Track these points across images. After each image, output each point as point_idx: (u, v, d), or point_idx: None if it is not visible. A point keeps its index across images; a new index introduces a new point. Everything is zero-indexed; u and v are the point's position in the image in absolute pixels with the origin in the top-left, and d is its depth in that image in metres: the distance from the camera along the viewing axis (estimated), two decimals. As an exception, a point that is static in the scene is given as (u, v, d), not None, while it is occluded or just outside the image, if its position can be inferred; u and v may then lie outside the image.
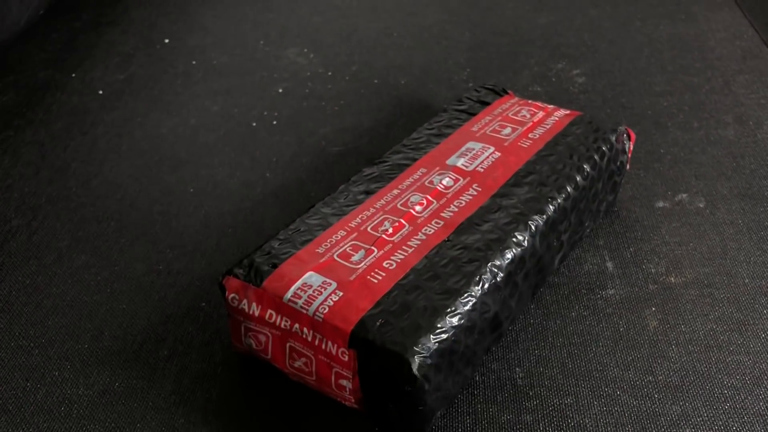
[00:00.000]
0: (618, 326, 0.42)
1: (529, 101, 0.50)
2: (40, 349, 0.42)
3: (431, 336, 0.33)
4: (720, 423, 0.36)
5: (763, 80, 0.62)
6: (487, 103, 0.50)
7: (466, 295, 0.35)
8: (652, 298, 0.43)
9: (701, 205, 0.50)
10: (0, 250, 0.48)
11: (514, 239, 0.38)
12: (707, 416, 0.37)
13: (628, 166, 0.49)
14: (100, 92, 0.64)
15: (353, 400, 0.35)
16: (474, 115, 0.49)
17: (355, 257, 0.37)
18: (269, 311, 0.36)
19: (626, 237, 0.47)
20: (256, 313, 0.36)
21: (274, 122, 0.61)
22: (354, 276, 0.36)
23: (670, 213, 0.49)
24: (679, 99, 0.60)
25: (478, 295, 0.35)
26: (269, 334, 0.36)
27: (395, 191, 0.42)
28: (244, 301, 0.36)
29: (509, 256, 0.38)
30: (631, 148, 0.48)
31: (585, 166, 0.44)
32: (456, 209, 0.40)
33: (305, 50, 0.71)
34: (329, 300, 0.35)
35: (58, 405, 0.38)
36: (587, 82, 0.63)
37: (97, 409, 0.38)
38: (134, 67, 0.68)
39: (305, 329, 0.35)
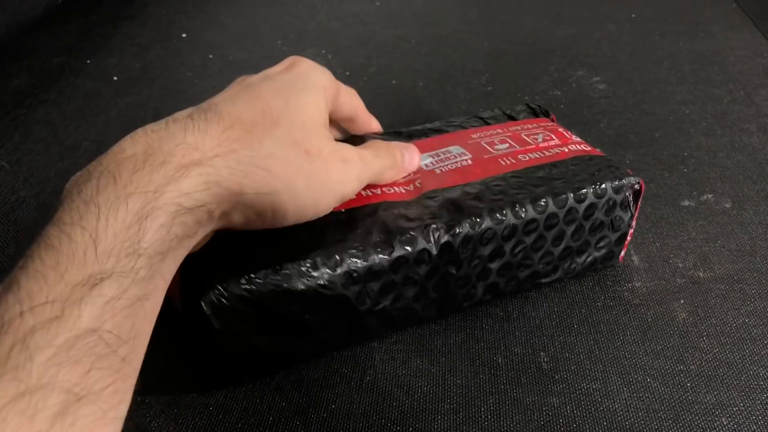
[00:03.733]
0: (646, 317, 0.40)
1: (561, 130, 0.44)
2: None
3: (235, 280, 0.32)
4: (758, 413, 0.34)
5: (786, 94, 0.61)
6: (515, 119, 0.46)
7: (311, 261, 0.33)
8: (680, 291, 0.42)
9: (728, 206, 0.48)
10: (6, 219, 0.46)
11: (414, 238, 0.35)
12: (743, 406, 0.35)
13: (633, 224, 0.41)
14: (115, 78, 0.63)
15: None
16: (490, 124, 0.46)
17: None
18: None
19: (652, 232, 0.46)
20: None
21: (290, 116, 0.60)
22: None
23: (696, 211, 0.48)
24: (701, 108, 0.59)
25: (330, 270, 0.33)
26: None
27: None
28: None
29: (399, 252, 0.34)
30: (639, 205, 0.41)
31: (544, 200, 0.37)
32: (378, 193, 0.38)
33: (323, 51, 0.70)
34: None
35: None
36: (608, 88, 0.63)
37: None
38: (150, 57, 0.67)
39: None
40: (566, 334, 0.39)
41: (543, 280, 0.41)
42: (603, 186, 0.39)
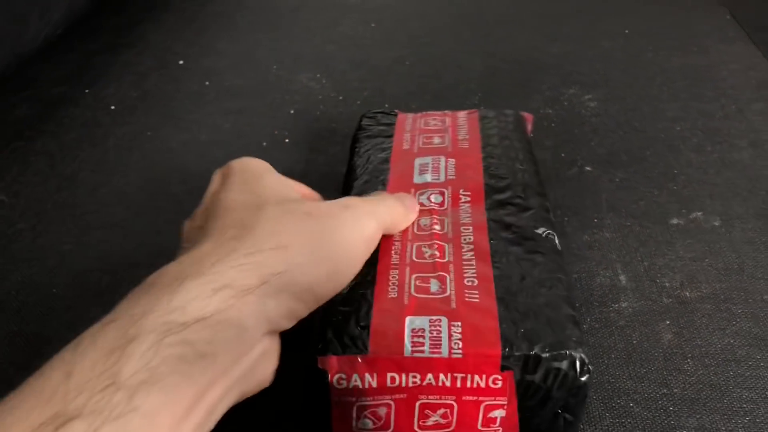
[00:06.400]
0: (631, 339, 0.40)
1: (425, 113, 0.49)
2: (36, 348, 0.41)
3: (573, 326, 0.31)
4: (739, 436, 0.35)
5: (778, 108, 0.61)
6: (391, 124, 0.48)
7: (561, 278, 0.34)
8: (666, 311, 0.42)
9: (716, 224, 0.48)
10: (3, 251, 0.47)
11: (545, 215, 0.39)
12: (726, 430, 0.35)
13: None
14: (113, 107, 0.65)
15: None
16: (390, 136, 0.46)
17: (434, 287, 0.33)
18: (390, 375, 0.31)
19: (640, 251, 0.46)
20: (374, 384, 0.31)
21: (286, 140, 0.61)
22: (454, 304, 0.32)
23: (685, 230, 0.48)
24: (692, 124, 0.60)
25: (564, 276, 0.35)
26: (392, 402, 0.31)
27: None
28: (354, 376, 0.31)
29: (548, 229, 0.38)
30: (530, 128, 0.49)
31: (525, 143, 0.45)
32: (468, 214, 0.38)
33: (318, 75, 0.71)
34: (454, 335, 0.31)
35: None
36: (599, 106, 0.63)
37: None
38: (148, 86, 0.68)
39: (441, 375, 0.31)
40: (551, 358, 0.39)
41: None
42: (518, 116, 0.49)
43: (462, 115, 0.49)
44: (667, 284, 0.44)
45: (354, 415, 0.32)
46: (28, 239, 0.49)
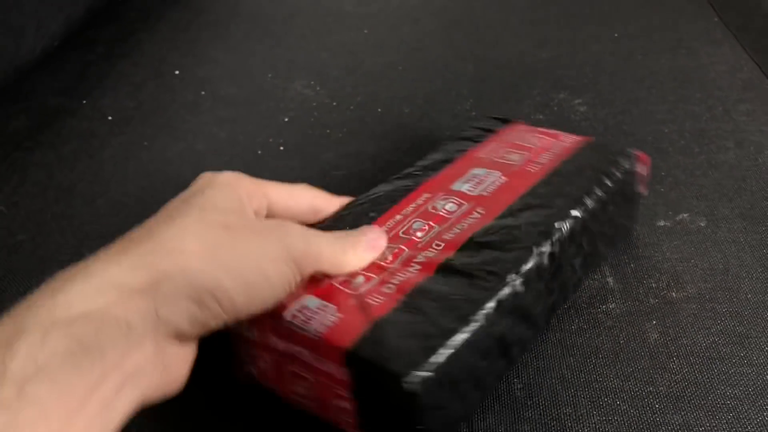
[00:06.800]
0: (618, 339, 0.41)
1: (538, 128, 0.49)
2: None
3: (428, 355, 0.31)
4: (722, 432, 0.36)
5: (764, 108, 0.62)
6: (494, 131, 0.50)
7: (468, 315, 0.33)
8: (653, 312, 0.43)
9: (702, 224, 0.49)
10: (3, 263, 0.48)
11: (520, 260, 0.37)
12: (709, 426, 0.36)
13: (644, 191, 0.47)
14: (110, 118, 0.66)
15: (353, 423, 0.34)
16: (480, 142, 0.48)
17: (355, 283, 0.36)
18: (269, 334, 0.35)
19: (627, 253, 0.47)
20: (255, 338, 0.35)
21: (281, 148, 0.62)
22: (353, 300, 0.35)
23: (671, 231, 0.49)
24: (680, 126, 0.61)
25: (481, 316, 0.33)
26: (269, 359, 0.35)
27: (398, 217, 0.41)
28: (245, 325, 0.35)
29: (516, 278, 0.36)
30: (648, 172, 0.47)
31: (595, 189, 0.42)
32: (459, 231, 0.39)
33: (312, 83, 0.72)
34: (327, 321, 0.33)
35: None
36: (588, 110, 0.64)
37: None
38: (144, 96, 0.69)
39: (305, 351, 0.34)
40: (540, 359, 0.40)
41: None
42: (622, 162, 0.44)
43: (568, 139, 0.47)
44: (654, 285, 0.45)
45: (243, 358, 0.37)
46: (28, 250, 0.50)
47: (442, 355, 0.31)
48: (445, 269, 0.36)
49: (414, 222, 0.40)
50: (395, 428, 0.33)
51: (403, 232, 0.39)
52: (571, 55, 0.74)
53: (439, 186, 0.44)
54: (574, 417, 0.37)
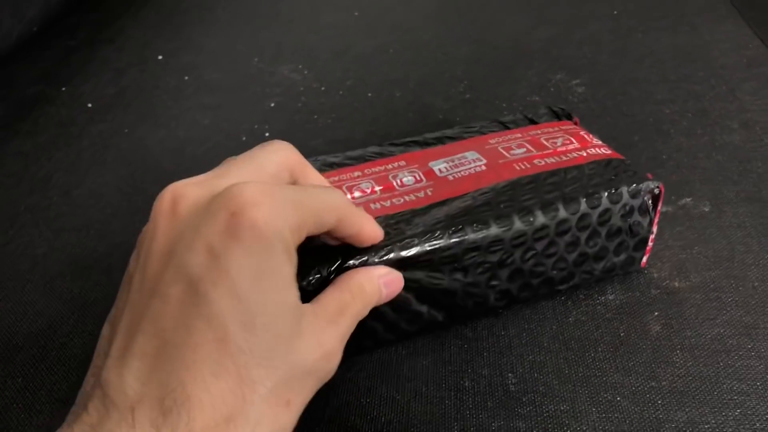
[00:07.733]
0: (618, 331, 0.39)
1: (582, 133, 0.44)
2: (6, 356, 0.39)
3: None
4: (729, 430, 0.33)
5: (770, 87, 0.60)
6: (536, 122, 0.46)
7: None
8: (654, 302, 0.41)
9: (706, 209, 0.47)
10: (-27, 258, 0.46)
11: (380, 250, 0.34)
12: (715, 422, 0.34)
13: (653, 229, 0.40)
14: (89, 105, 0.63)
15: None
16: (509, 129, 0.46)
17: None
18: None
19: (627, 241, 0.45)
20: None
21: (266, 134, 0.59)
22: None
23: (674, 217, 0.47)
24: (681, 107, 0.58)
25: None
26: None
27: (356, 173, 0.41)
28: None
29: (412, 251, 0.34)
30: (659, 208, 0.40)
31: (555, 206, 0.37)
32: (386, 206, 0.37)
33: (299, 66, 0.70)
34: None
35: (18, 412, 0.36)
36: (587, 91, 0.61)
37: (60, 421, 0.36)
38: (126, 82, 0.67)
39: None
40: (536, 353, 0.38)
41: (559, 287, 0.40)
42: (619, 191, 0.38)
43: (595, 151, 0.42)
44: (656, 275, 0.42)
45: None
46: (-1, 244, 0.48)
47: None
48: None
49: (363, 182, 0.40)
50: None
51: (346, 187, 0.39)
52: (569, 34, 0.72)
53: (420, 159, 0.42)
54: (572, 414, 0.35)
